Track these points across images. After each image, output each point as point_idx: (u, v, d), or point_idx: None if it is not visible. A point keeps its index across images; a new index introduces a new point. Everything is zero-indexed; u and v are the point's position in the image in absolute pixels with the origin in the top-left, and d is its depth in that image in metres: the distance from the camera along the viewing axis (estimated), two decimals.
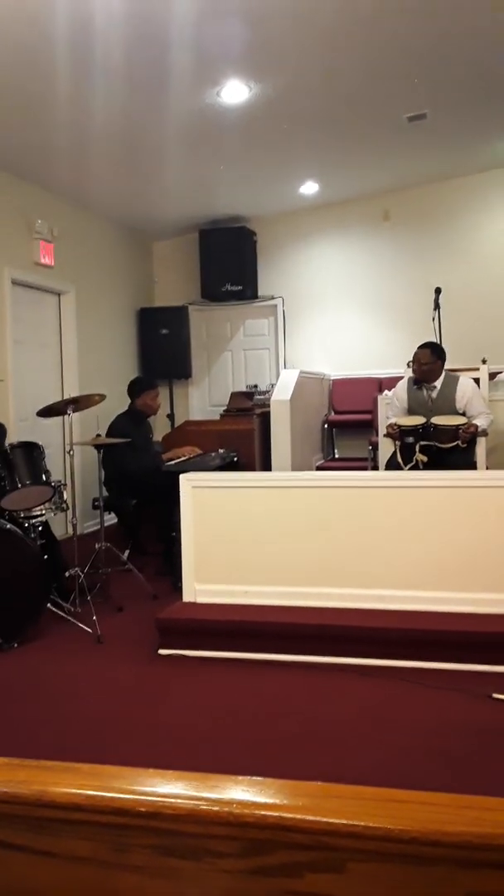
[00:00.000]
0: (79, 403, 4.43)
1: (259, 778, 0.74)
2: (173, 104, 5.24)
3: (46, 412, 4.36)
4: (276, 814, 0.66)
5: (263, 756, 2.73)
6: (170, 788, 0.68)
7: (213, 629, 3.84)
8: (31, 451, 4.25)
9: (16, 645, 3.96)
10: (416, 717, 3.03)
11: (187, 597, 4.14)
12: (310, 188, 7.34)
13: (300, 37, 4.57)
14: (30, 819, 0.70)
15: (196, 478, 4.19)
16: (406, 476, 4.38)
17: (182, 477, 4.16)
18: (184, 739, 2.90)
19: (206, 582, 4.12)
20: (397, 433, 5.10)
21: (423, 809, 0.69)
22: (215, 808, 0.66)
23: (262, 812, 0.66)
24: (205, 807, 0.66)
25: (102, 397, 4.57)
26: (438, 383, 5.24)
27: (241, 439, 6.09)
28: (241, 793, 0.69)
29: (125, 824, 0.68)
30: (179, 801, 0.65)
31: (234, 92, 5.20)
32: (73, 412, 4.35)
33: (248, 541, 4.07)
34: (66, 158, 5.91)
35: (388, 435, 5.33)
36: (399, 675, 3.44)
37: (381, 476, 4.26)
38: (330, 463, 7.35)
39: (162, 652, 3.87)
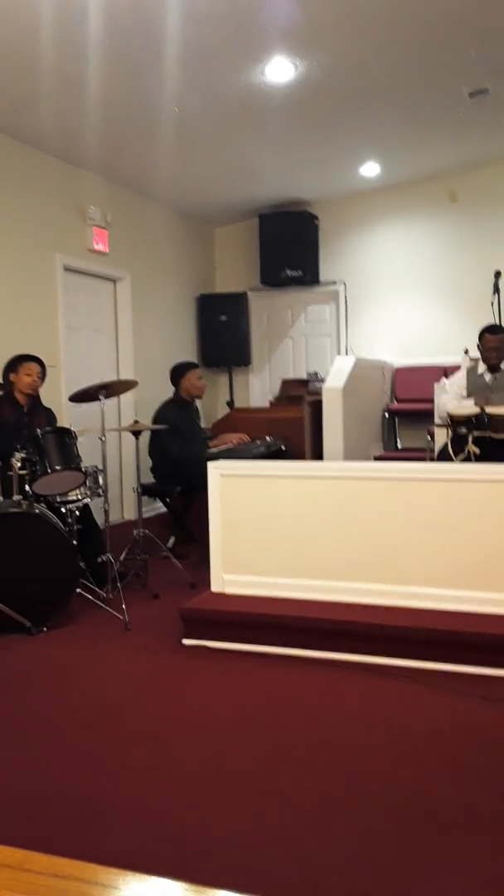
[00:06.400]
0: (111, 389, 4.40)
1: None
2: (219, 84, 5.13)
3: (78, 397, 4.35)
4: None
5: (263, 761, 2.62)
6: None
7: (237, 621, 3.75)
8: (63, 437, 4.25)
9: (45, 630, 3.98)
10: (437, 725, 2.86)
11: (215, 587, 4.06)
12: (371, 169, 7.10)
13: (344, 10, 4.38)
14: None
15: (225, 466, 4.10)
16: (444, 469, 4.15)
17: (210, 465, 4.08)
18: (179, 735, 2.82)
19: (234, 572, 4.03)
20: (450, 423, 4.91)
21: None
22: None
23: None
24: None
25: (135, 383, 4.52)
26: None
27: (290, 427, 5.95)
28: None
29: None
30: None
31: (280, 70, 5.06)
32: (106, 397, 4.31)
33: (278, 532, 3.95)
34: (118, 143, 5.89)
35: (440, 426, 5.13)
36: (424, 678, 3.27)
37: (419, 468, 4.04)
38: (390, 453, 7.13)
39: (185, 642, 3.80)
